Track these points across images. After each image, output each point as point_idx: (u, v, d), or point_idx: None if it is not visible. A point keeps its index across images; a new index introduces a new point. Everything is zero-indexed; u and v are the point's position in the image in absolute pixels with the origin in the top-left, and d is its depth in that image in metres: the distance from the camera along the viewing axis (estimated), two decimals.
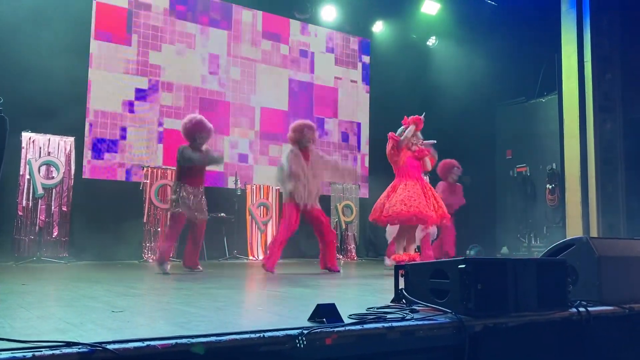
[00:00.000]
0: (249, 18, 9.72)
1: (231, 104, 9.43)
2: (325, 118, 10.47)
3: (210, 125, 6.23)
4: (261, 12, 9.83)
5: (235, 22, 9.60)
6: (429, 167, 6.28)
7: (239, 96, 9.54)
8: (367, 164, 10.87)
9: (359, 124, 10.92)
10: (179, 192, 5.97)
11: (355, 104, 10.90)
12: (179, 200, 5.96)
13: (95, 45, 8.26)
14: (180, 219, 5.99)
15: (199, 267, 6.10)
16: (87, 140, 8.08)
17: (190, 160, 5.97)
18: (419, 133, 6.17)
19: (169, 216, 6.67)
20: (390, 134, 6.16)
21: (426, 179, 7.19)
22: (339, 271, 6.07)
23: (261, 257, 8.75)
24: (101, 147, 8.21)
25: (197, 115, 6.39)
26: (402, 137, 6.02)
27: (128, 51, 8.56)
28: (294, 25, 10.22)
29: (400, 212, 5.70)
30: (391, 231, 6.36)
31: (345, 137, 10.70)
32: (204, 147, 6.18)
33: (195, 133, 6.07)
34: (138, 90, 8.59)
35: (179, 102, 8.93)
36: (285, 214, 6.04)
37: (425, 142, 6.20)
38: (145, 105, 8.63)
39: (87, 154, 8.07)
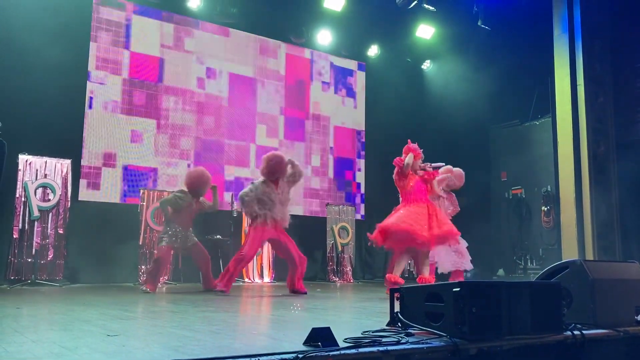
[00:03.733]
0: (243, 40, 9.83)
1: (227, 143, 9.49)
2: (318, 137, 10.52)
3: (208, 177, 6.72)
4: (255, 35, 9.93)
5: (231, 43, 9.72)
6: (437, 190, 6.19)
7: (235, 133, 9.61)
8: (362, 187, 10.89)
9: (354, 146, 10.97)
10: (167, 230, 6.51)
11: (350, 126, 10.95)
12: (165, 235, 6.48)
13: (92, 67, 8.33)
14: (162, 252, 6.43)
15: (216, 287, 6.22)
16: (84, 162, 8.09)
17: (176, 204, 6.47)
18: (420, 161, 6.12)
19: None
20: (395, 160, 6.09)
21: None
22: (305, 292, 6.14)
23: (257, 279, 8.72)
24: (98, 169, 8.21)
25: (199, 169, 6.92)
26: (404, 163, 5.97)
27: (125, 74, 8.64)
28: (289, 48, 10.33)
29: (392, 225, 5.66)
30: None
31: (340, 160, 10.73)
32: (201, 199, 6.72)
33: (196, 187, 6.59)
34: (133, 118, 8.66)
35: (176, 119, 8.98)
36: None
37: (433, 164, 6.15)
38: (142, 126, 8.67)
39: (84, 176, 8.07)
